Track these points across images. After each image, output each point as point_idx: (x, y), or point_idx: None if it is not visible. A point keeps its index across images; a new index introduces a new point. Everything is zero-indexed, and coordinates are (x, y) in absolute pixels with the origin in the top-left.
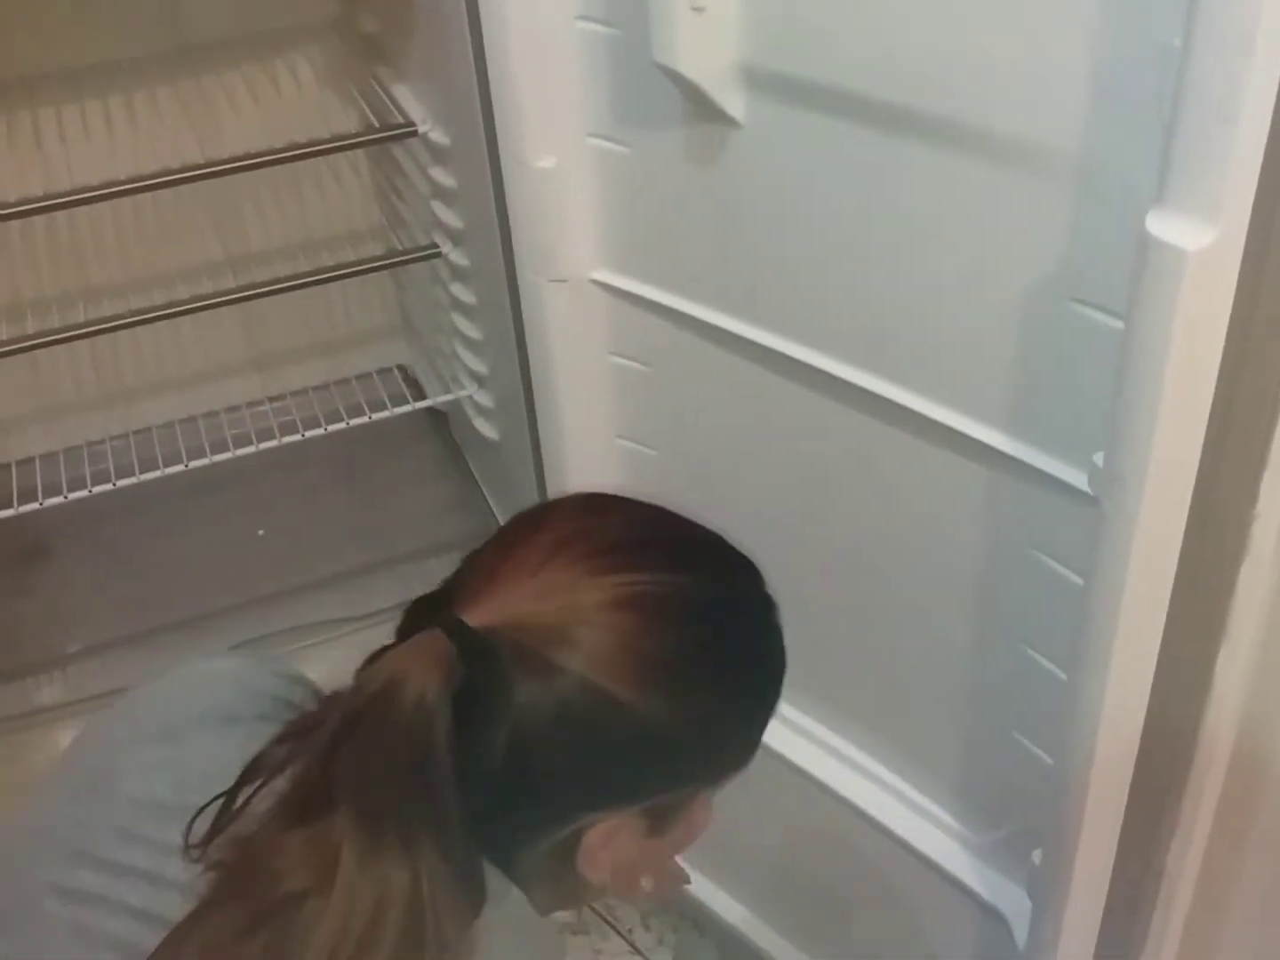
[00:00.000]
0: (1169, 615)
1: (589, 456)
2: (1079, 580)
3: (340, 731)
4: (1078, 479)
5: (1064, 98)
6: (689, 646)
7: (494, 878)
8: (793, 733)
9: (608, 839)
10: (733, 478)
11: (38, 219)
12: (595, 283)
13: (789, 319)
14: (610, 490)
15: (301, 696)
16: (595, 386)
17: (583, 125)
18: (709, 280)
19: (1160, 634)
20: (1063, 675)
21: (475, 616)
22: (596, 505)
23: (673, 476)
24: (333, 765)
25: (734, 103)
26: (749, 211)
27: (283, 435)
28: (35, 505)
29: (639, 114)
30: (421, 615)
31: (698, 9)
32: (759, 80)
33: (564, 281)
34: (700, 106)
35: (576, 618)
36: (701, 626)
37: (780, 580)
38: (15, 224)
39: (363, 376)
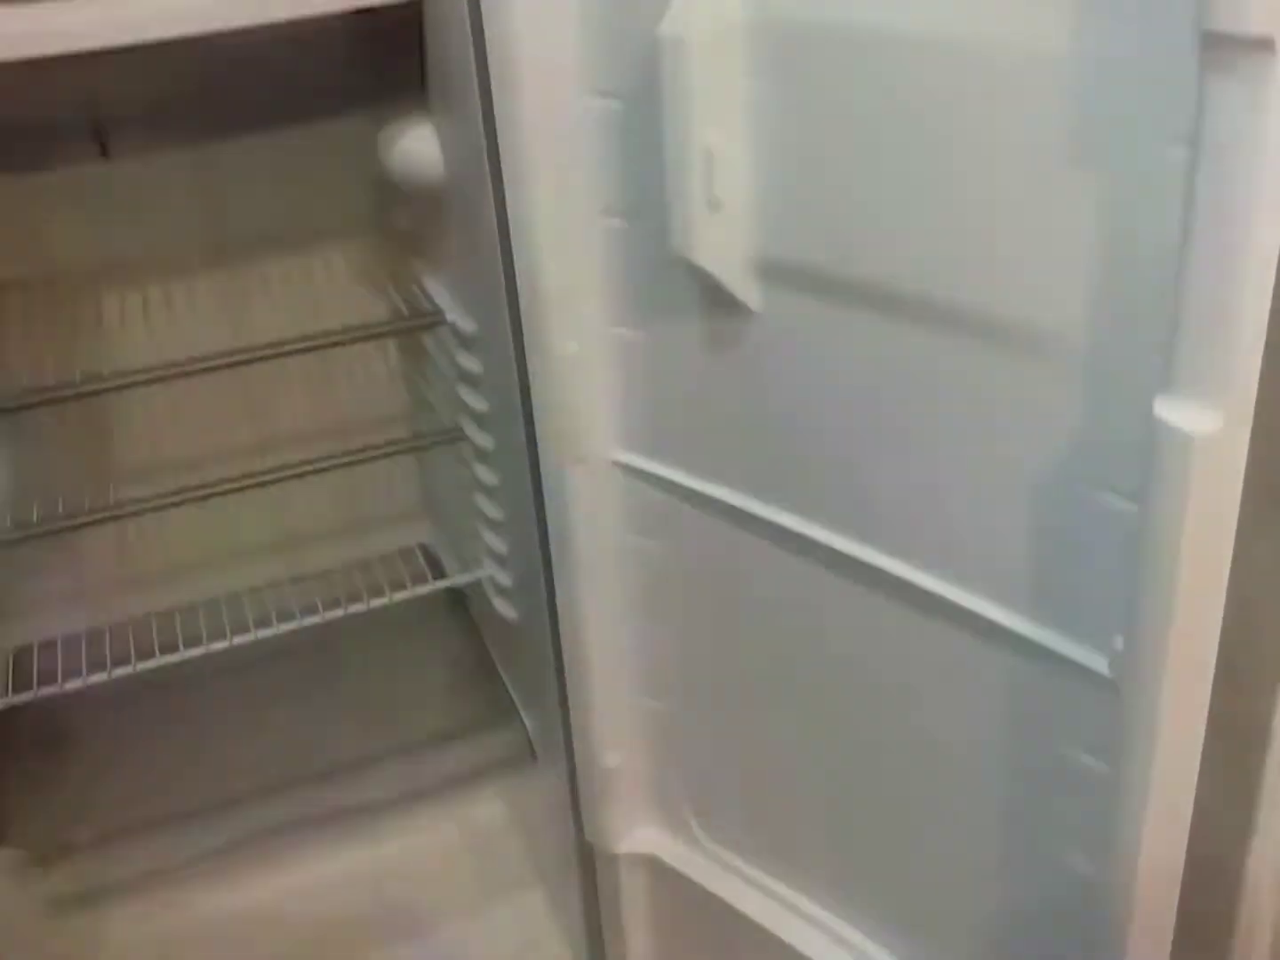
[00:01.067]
0: (1197, 798)
1: (607, 637)
2: (1105, 768)
3: None
4: (1098, 663)
5: (1070, 286)
6: None
7: None
8: (809, 926)
9: None
10: (749, 659)
11: (71, 403)
12: (616, 464)
13: (808, 501)
14: None
15: None
16: (614, 567)
17: (604, 313)
18: (729, 462)
19: (1188, 821)
20: (1093, 867)
21: None
22: None
23: (689, 655)
24: None
25: (750, 293)
26: (767, 397)
27: (303, 616)
28: (54, 689)
29: (658, 303)
30: None
31: (714, 205)
32: (774, 271)
33: (584, 463)
34: (717, 296)
35: None
36: None
37: (793, 767)
38: (50, 408)
39: (385, 556)
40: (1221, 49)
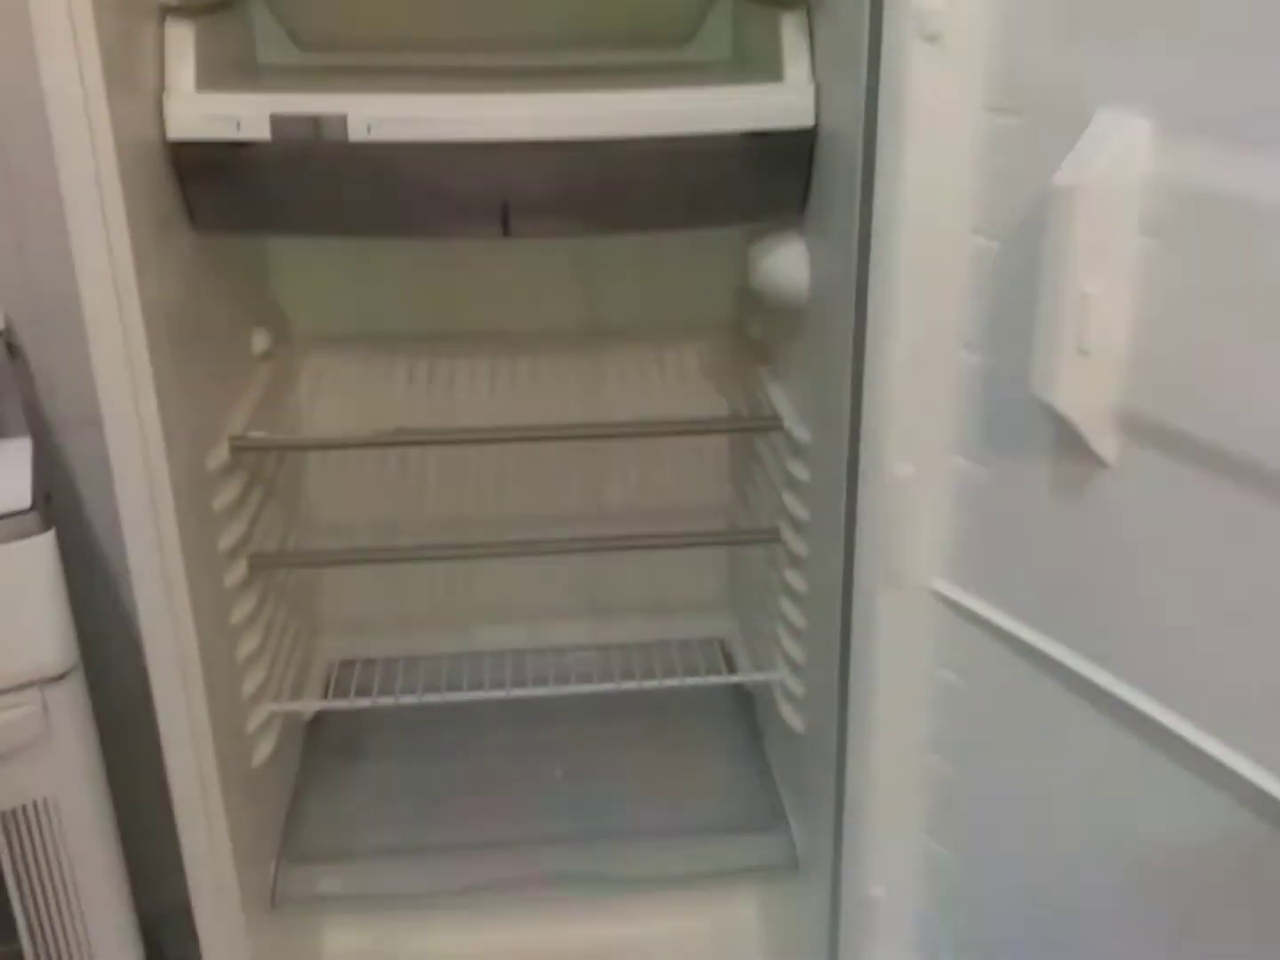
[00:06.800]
0: None
1: (893, 765)
2: None
3: None
4: None
5: None
6: None
7: None
8: None
9: None
10: (1042, 819)
11: (431, 450)
12: (933, 593)
13: (1137, 669)
14: None
15: None
16: (912, 696)
17: (946, 441)
18: (1055, 611)
19: None
20: None
21: None
22: None
23: (975, 803)
24: None
25: (1106, 444)
26: (1106, 551)
27: (599, 682)
28: (367, 702)
29: (1003, 439)
30: None
31: (1084, 351)
32: (1136, 425)
33: (900, 587)
34: (1071, 444)
35: None
36: None
37: (1076, 941)
38: (414, 452)
39: (684, 642)
40: None
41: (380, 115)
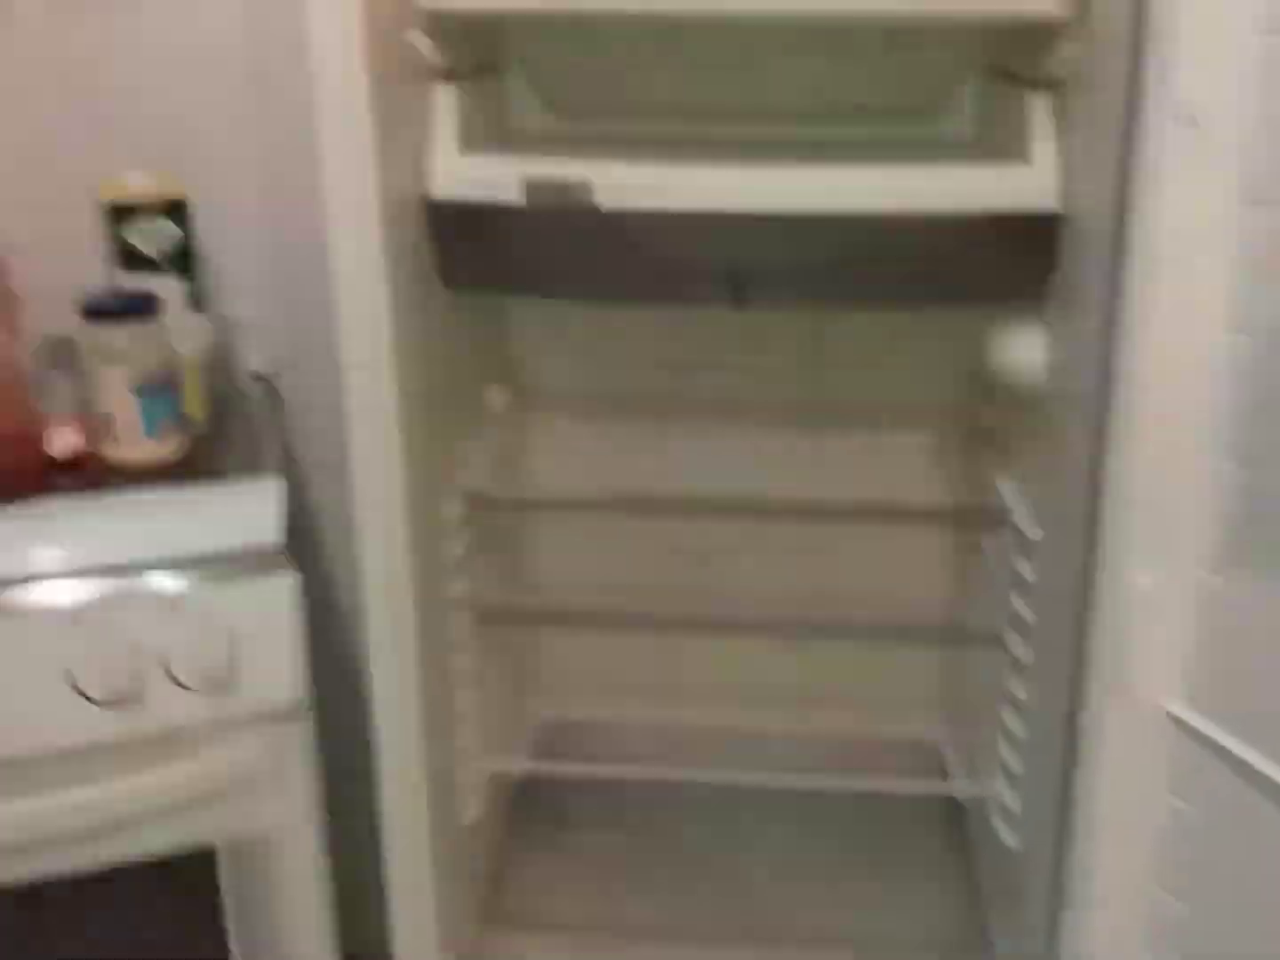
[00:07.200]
0: None
1: (1118, 895)
2: None
3: None
4: None
5: None
6: None
7: None
8: None
9: None
10: None
11: (651, 515)
12: (1168, 714)
13: None
14: None
15: None
16: (1140, 823)
17: (1192, 551)
18: None
19: None
20: None
21: None
22: None
23: (1204, 943)
24: None
25: None
26: None
27: (802, 774)
28: (575, 769)
29: (1258, 556)
30: None
31: None
32: None
33: (1133, 705)
34: None
35: None
36: None
37: None
38: (633, 515)
39: (894, 743)
40: None
41: (628, 184)
